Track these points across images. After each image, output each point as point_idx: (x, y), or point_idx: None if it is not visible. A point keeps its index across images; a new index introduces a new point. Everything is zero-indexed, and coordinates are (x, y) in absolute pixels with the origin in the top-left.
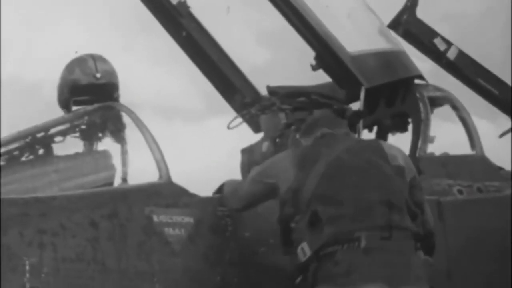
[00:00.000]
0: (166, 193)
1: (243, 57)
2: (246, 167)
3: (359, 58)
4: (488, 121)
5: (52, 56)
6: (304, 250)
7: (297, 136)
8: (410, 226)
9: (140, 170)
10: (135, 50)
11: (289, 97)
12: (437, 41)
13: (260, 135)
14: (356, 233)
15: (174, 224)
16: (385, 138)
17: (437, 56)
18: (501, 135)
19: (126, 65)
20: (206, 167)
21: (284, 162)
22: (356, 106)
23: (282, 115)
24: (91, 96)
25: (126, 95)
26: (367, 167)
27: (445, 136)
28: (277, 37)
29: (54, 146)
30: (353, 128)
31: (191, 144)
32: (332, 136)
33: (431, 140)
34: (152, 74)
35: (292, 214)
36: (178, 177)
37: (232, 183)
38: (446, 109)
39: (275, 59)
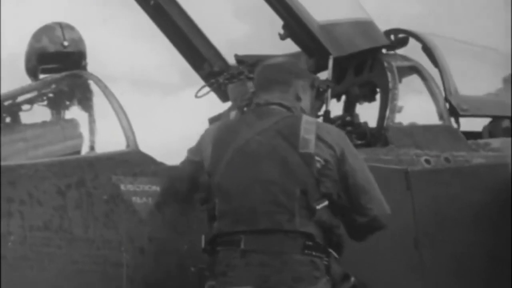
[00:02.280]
0: (134, 161)
1: (221, 31)
2: None
3: (327, 27)
4: None
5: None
6: (202, 241)
7: None
8: (298, 227)
9: (107, 139)
10: (115, 24)
11: (257, 66)
12: None
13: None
14: (237, 236)
15: (142, 192)
16: (353, 108)
17: None
18: None
19: (105, 38)
20: (182, 137)
21: (207, 138)
22: (324, 75)
23: (250, 84)
24: (59, 64)
25: (104, 68)
26: (269, 157)
27: (414, 107)
28: (255, 11)
29: (21, 114)
30: (321, 97)
31: (168, 116)
32: (262, 110)
33: (399, 110)
34: (131, 48)
35: (204, 199)
36: (156, 148)
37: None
38: (415, 78)
39: (254, 33)
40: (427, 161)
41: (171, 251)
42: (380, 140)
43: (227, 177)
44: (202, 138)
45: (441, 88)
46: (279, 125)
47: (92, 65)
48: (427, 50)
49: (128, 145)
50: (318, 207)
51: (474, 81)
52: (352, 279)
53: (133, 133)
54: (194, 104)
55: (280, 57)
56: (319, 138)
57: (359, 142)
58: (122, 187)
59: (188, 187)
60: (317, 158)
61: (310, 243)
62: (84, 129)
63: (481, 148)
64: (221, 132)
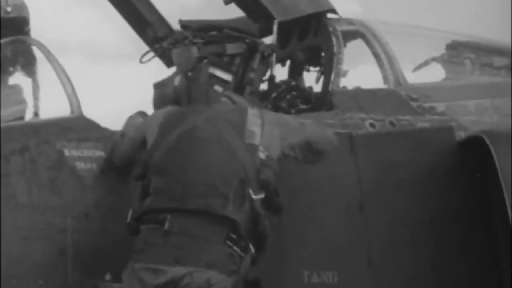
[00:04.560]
0: (78, 127)
1: None
2: (158, 101)
3: None
4: None
5: None
6: (129, 216)
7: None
8: (228, 214)
9: (51, 105)
10: None
11: (201, 31)
12: None
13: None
14: (163, 215)
15: (86, 158)
16: (299, 73)
17: None
18: None
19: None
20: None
21: (154, 121)
22: (268, 40)
23: (194, 49)
24: (2, 30)
25: (57, 36)
26: (214, 142)
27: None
28: None
29: None
30: (266, 62)
31: (120, 85)
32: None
33: (344, 74)
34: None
35: (138, 176)
36: (108, 117)
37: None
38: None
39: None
40: (372, 125)
41: (117, 217)
42: (325, 104)
43: (167, 157)
44: (149, 119)
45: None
46: (227, 114)
47: (42, 34)
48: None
49: (72, 111)
50: (255, 197)
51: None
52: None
53: (77, 99)
54: (144, 72)
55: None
56: (263, 128)
57: (304, 106)
58: (67, 152)
59: (125, 163)
60: (261, 148)
61: (234, 236)
62: (28, 95)
63: (426, 112)
64: (168, 117)
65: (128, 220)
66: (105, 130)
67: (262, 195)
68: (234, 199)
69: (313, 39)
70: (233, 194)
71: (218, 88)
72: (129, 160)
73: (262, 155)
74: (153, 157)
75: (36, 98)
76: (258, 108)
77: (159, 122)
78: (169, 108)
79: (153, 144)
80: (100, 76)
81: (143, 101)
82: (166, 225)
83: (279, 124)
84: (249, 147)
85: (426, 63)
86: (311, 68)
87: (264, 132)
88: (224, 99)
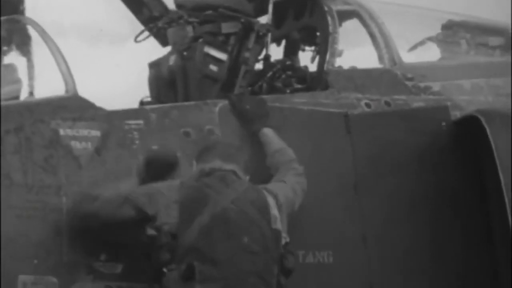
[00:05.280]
0: (73, 106)
1: None
2: (153, 81)
3: None
4: None
5: None
6: None
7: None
8: None
9: (46, 84)
10: None
11: (196, 10)
12: None
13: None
14: None
15: (81, 137)
16: (294, 52)
17: None
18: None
19: None
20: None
21: (168, 196)
22: (264, 20)
23: (189, 28)
24: None
25: (52, 17)
26: (251, 228)
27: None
28: None
29: None
30: (261, 42)
31: (115, 66)
32: (221, 177)
33: (339, 54)
34: None
35: (167, 260)
36: (103, 98)
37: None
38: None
39: None
40: (367, 105)
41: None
42: (320, 84)
43: (208, 242)
44: (159, 192)
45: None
46: (248, 195)
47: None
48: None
49: (67, 90)
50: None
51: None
52: None
53: (72, 78)
54: (139, 52)
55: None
56: (280, 211)
57: (299, 86)
58: (61, 132)
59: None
60: (283, 234)
61: None
62: (22, 75)
63: (422, 92)
64: (186, 194)
65: None
66: (100, 109)
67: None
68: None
69: (309, 18)
70: (275, 282)
71: (213, 67)
72: (112, 223)
73: (284, 241)
74: (184, 240)
75: (31, 77)
76: (267, 188)
77: (175, 199)
78: (181, 184)
79: (181, 226)
80: (94, 57)
81: (139, 81)
82: None
83: (286, 201)
84: (275, 233)
85: (421, 43)
86: (306, 48)
87: (282, 215)
88: (232, 176)
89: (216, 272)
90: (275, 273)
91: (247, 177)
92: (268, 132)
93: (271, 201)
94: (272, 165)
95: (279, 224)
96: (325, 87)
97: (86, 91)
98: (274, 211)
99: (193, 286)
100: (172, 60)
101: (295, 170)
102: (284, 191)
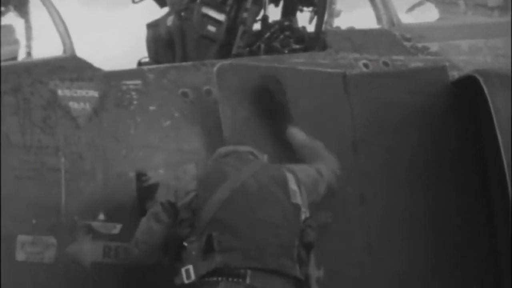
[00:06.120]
0: (71, 67)
1: None
2: (151, 42)
3: None
4: None
5: None
6: (189, 273)
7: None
8: (298, 275)
9: (44, 45)
10: None
11: None
12: None
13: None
14: (243, 270)
15: (79, 98)
16: (292, 13)
17: None
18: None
19: None
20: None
21: (184, 178)
22: None
23: None
24: None
25: None
26: (271, 201)
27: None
28: None
29: None
30: (259, 2)
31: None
32: (238, 157)
33: (337, 14)
34: None
35: (187, 234)
36: (101, 59)
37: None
38: None
39: None
40: (366, 65)
41: (108, 156)
42: (318, 44)
43: (228, 213)
44: (176, 178)
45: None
46: (268, 171)
47: None
48: None
49: (65, 51)
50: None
51: None
52: None
53: (70, 39)
54: (137, 13)
55: None
56: (300, 187)
57: (297, 46)
58: (59, 92)
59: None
60: (303, 209)
61: None
62: (20, 36)
63: (420, 52)
64: (206, 170)
65: (191, 279)
66: (98, 70)
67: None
68: (297, 259)
69: None
70: (296, 254)
71: (211, 28)
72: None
73: (303, 215)
74: (204, 214)
75: (28, 38)
76: (286, 166)
77: (193, 175)
78: (199, 164)
79: (200, 200)
80: (92, 18)
81: (137, 42)
82: (248, 280)
83: (308, 179)
84: (295, 207)
85: (420, 3)
86: (304, 8)
87: (302, 191)
88: (249, 156)
89: (236, 243)
90: (296, 245)
91: (265, 156)
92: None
93: (289, 176)
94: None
95: (299, 198)
96: (323, 47)
97: (84, 52)
98: (293, 186)
99: (213, 256)
100: (170, 21)
101: (324, 159)
102: (305, 171)
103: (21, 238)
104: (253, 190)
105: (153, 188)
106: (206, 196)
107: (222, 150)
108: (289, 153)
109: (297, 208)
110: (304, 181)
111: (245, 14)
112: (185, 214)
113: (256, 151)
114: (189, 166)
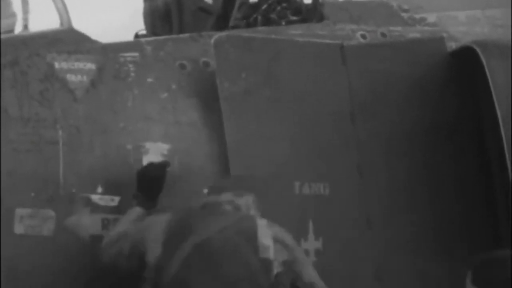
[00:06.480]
0: (68, 39)
1: None
2: (148, 14)
3: None
4: None
5: None
6: None
7: None
8: None
9: (41, 18)
10: None
11: None
12: None
13: None
14: None
15: (76, 70)
16: None
17: None
18: None
19: None
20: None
21: (155, 230)
22: None
23: None
24: None
25: None
26: (234, 257)
27: None
28: None
29: None
30: None
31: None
32: (213, 209)
33: None
34: None
35: None
36: (98, 31)
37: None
38: None
39: None
40: (363, 36)
41: (106, 128)
42: (315, 15)
43: (187, 273)
44: (148, 227)
45: None
46: (237, 225)
47: None
48: None
49: (62, 24)
50: None
51: None
52: None
53: (67, 11)
54: None
55: None
56: (276, 240)
57: (294, 18)
58: (57, 65)
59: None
60: (275, 264)
61: None
62: (17, 8)
63: (417, 23)
64: (173, 226)
65: None
66: (95, 42)
67: None
68: None
69: None
70: None
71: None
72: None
73: (275, 270)
74: (166, 273)
75: (25, 11)
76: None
77: (163, 228)
78: (169, 217)
79: (162, 257)
80: None
81: (134, 14)
82: None
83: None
84: (263, 262)
85: None
86: None
87: (276, 246)
88: (228, 207)
89: None
90: None
91: (250, 198)
92: None
93: (264, 231)
94: None
95: (271, 253)
96: (321, 18)
97: (81, 24)
98: (266, 240)
99: None
100: None
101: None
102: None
103: (20, 211)
104: (216, 246)
105: None
106: (169, 253)
107: (201, 201)
108: None
109: (267, 263)
110: (283, 239)
111: None
112: (149, 273)
113: (238, 198)
114: (163, 218)
